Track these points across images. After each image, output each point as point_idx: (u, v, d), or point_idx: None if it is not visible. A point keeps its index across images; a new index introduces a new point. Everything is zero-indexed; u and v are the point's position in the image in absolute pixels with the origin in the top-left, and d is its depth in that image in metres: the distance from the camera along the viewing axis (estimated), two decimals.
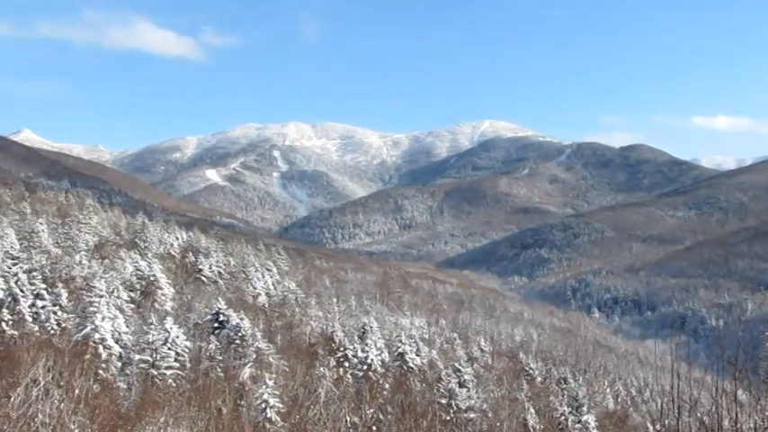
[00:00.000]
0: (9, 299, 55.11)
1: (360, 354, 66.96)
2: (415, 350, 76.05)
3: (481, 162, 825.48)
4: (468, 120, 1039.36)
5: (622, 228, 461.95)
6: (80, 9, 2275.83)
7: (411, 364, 70.34)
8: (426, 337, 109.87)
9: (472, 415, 57.11)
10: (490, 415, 59.60)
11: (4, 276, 57.78)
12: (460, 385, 61.68)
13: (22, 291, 56.24)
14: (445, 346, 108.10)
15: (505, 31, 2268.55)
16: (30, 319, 54.55)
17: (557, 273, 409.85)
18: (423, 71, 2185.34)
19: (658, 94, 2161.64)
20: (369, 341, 70.03)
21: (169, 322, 52.87)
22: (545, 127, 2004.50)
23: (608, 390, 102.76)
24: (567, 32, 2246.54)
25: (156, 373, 48.53)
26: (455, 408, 56.58)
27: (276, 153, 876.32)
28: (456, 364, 69.19)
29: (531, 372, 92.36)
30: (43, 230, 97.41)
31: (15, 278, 57.43)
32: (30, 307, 55.59)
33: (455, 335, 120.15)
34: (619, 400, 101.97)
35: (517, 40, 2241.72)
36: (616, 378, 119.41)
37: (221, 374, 52.37)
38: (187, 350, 52.32)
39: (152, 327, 51.59)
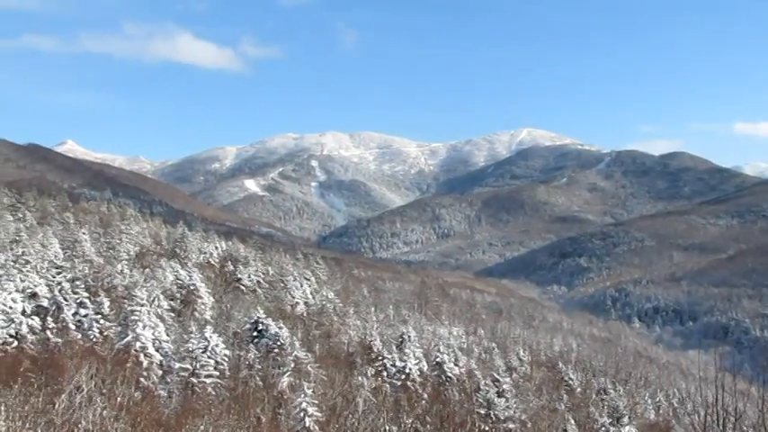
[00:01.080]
0: (53, 307, 55.98)
1: (398, 363, 66.91)
2: (453, 360, 75.81)
3: (519, 171, 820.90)
4: (505, 128, 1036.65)
5: (663, 236, 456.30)
6: (121, 23, 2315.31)
7: (449, 374, 70.12)
8: (464, 346, 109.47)
9: (511, 425, 56.75)
10: (529, 426, 59.18)
11: (48, 285, 58.71)
12: (499, 395, 61.36)
13: (65, 299, 57.10)
14: (483, 355, 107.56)
15: (544, 40, 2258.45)
16: (73, 327, 55.33)
17: (596, 282, 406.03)
18: (460, 80, 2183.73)
19: (699, 101, 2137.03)
20: (407, 350, 69.95)
21: (209, 331, 53.29)
22: (583, 135, 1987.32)
23: (649, 401, 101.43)
24: (606, 41, 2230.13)
25: (195, 381, 48.92)
26: (494, 418, 56.28)
27: (314, 163, 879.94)
28: (494, 374, 68.91)
29: (570, 382, 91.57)
30: (86, 240, 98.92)
31: (59, 287, 58.33)
32: (73, 315, 56.41)
33: (493, 344, 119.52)
34: (660, 411, 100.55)
35: (555, 49, 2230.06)
36: (657, 389, 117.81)
37: (260, 383, 52.64)
38: (226, 359, 52.68)
39: (192, 335, 52.04)
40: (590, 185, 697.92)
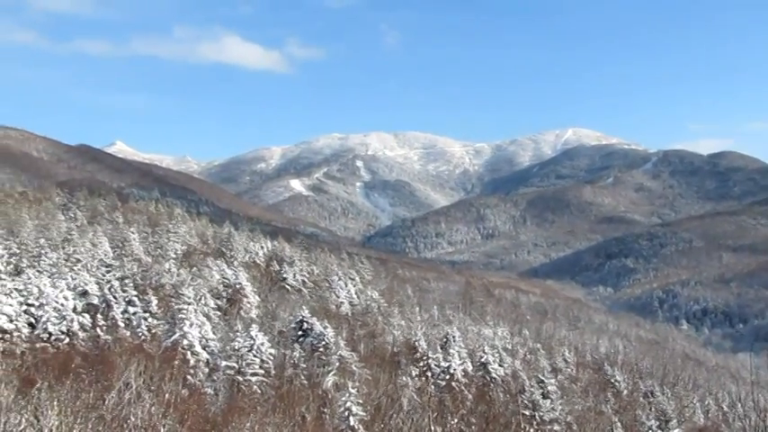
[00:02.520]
0: (103, 305, 56.98)
1: (442, 363, 66.81)
2: (497, 360, 75.47)
3: (564, 170, 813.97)
4: (550, 128, 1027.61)
5: (712, 237, 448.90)
6: (171, 26, 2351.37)
7: (494, 375, 69.83)
8: (509, 347, 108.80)
9: (556, 427, 56.38)
10: (575, 428, 58.72)
11: (98, 283, 59.77)
12: (544, 397, 60.96)
13: (115, 297, 58.08)
14: (528, 356, 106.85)
15: (590, 38, 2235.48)
16: (122, 325, 56.26)
17: (643, 283, 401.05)
18: (505, 79, 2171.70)
19: (751, 99, 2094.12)
20: (451, 351, 69.82)
21: (254, 330, 53.73)
22: (630, 135, 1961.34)
23: (698, 405, 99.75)
24: (653, 40, 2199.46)
25: (241, 379, 49.38)
26: (539, 420, 55.95)
27: (359, 163, 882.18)
28: (540, 376, 68.42)
29: (616, 384, 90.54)
30: (135, 239, 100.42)
31: (109, 285, 59.34)
32: (122, 313, 57.36)
33: (538, 345, 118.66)
34: (710, 415, 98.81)
35: (602, 48, 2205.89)
36: (707, 392, 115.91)
37: (305, 382, 52.96)
38: (272, 357, 53.08)
39: (238, 334, 52.53)
40: (636, 185, 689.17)
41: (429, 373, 65.36)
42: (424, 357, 67.56)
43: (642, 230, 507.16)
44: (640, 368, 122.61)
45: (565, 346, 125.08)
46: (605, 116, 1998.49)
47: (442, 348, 71.45)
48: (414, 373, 62.70)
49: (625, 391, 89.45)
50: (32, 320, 51.33)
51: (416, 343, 71.05)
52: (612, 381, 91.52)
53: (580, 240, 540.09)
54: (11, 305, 50.13)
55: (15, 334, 48.70)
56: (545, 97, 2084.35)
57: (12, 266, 65.35)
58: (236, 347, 50.87)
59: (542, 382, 64.87)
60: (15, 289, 52.37)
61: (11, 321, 49.11)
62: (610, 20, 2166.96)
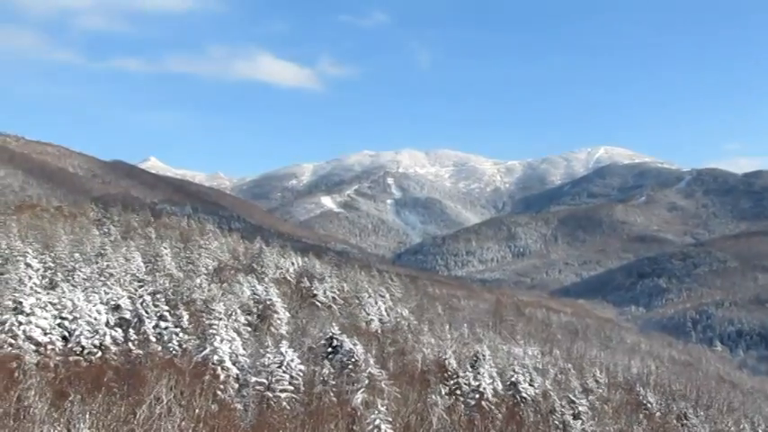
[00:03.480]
0: (135, 319, 57.47)
1: (472, 382, 66.47)
2: (528, 380, 74.96)
3: (596, 189, 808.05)
4: (582, 146, 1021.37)
5: (747, 257, 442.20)
6: (205, 45, 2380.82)
7: (524, 394, 69.35)
8: (540, 366, 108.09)
9: None
10: None
11: (131, 298, 60.32)
12: (575, 417, 60.44)
13: (146, 312, 58.56)
14: (559, 376, 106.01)
15: (622, 56, 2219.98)
16: (154, 340, 56.66)
17: (676, 303, 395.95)
18: (536, 97, 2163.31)
19: None
20: (481, 370, 69.44)
21: (284, 346, 53.89)
22: (663, 153, 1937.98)
23: (733, 428, 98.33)
24: (686, 57, 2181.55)
25: (271, 395, 49.50)
26: None
27: (390, 180, 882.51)
28: (570, 396, 67.87)
29: (649, 406, 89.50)
30: (167, 254, 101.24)
31: (141, 300, 59.85)
32: (154, 328, 57.78)
33: (569, 365, 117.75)
34: None
35: (634, 65, 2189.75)
36: (742, 416, 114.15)
37: (334, 399, 52.93)
38: (301, 374, 53.17)
39: (268, 350, 52.70)
40: (669, 204, 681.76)
41: (459, 392, 65.05)
42: (454, 376, 67.28)
43: (675, 250, 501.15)
44: (673, 390, 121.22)
45: (596, 367, 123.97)
46: (638, 135, 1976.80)
47: (471, 367, 71.10)
48: (443, 392, 62.43)
49: (658, 414, 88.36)
50: (66, 334, 51.90)
51: (446, 361, 70.79)
52: (645, 402, 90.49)
53: (612, 259, 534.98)
54: (45, 318, 50.76)
55: (49, 347, 49.27)
56: (577, 115, 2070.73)
57: (47, 280, 66.30)
58: (266, 363, 51.02)
59: (573, 402, 64.35)
60: (50, 302, 53.04)
61: (45, 334, 49.71)
62: (643, 37, 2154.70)
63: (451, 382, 66.46)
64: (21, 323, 48.89)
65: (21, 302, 49.92)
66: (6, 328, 48.21)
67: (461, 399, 64.23)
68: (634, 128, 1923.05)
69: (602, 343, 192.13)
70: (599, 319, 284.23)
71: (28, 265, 66.67)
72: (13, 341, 47.65)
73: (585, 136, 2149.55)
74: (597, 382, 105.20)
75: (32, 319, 49.58)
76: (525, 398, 69.07)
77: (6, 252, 71.19)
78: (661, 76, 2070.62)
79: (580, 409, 63.30)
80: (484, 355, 74.29)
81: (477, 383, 66.25)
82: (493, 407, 64.48)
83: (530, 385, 73.32)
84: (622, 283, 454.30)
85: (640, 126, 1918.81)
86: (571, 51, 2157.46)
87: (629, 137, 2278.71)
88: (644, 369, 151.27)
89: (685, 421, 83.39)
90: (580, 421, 60.01)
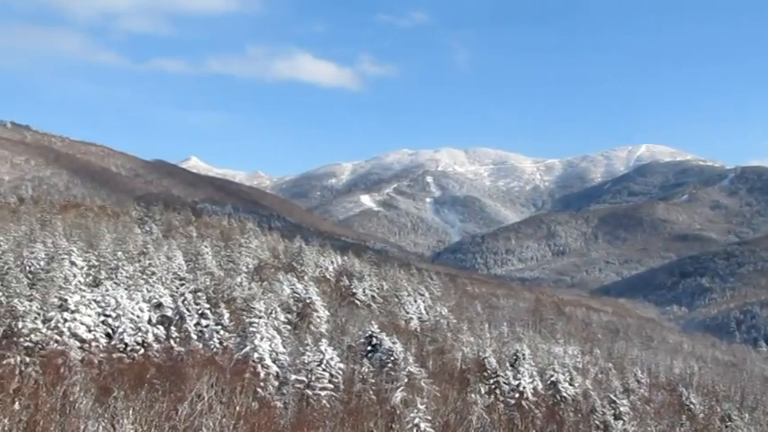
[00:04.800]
0: (177, 317, 58.15)
1: (512, 381, 66.20)
2: (568, 379, 74.45)
3: (637, 187, 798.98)
4: (623, 144, 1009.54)
5: None
6: (244, 46, 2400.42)
7: (564, 394, 68.90)
8: (580, 366, 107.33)
9: None
10: None
11: (172, 296, 61.03)
12: (616, 418, 59.92)
13: (188, 310, 59.22)
14: (600, 376, 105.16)
15: (663, 54, 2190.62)
16: (195, 337, 57.28)
17: (719, 303, 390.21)
18: (577, 95, 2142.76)
19: None
20: (521, 369, 69.13)
21: (324, 344, 54.12)
22: (705, 151, 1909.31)
23: None
24: (729, 54, 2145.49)
25: (310, 393, 49.76)
26: None
27: (429, 179, 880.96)
28: (611, 396, 67.28)
29: (692, 407, 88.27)
30: (208, 253, 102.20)
31: (182, 298, 60.54)
32: (195, 325, 58.42)
33: (610, 365, 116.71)
34: None
35: (676, 62, 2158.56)
36: None
37: (373, 397, 53.04)
38: (341, 372, 53.37)
39: (308, 348, 52.96)
40: (712, 203, 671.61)
41: (498, 391, 64.85)
42: (494, 375, 67.06)
43: (718, 249, 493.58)
44: (717, 391, 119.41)
45: (637, 367, 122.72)
46: (680, 132, 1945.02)
47: (511, 366, 70.82)
48: (483, 391, 62.28)
49: (701, 415, 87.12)
50: (109, 331, 52.70)
51: (486, 360, 70.56)
52: (687, 403, 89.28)
53: (653, 258, 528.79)
54: (90, 316, 51.58)
55: (93, 344, 50.06)
56: (618, 113, 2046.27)
57: (91, 278, 67.35)
58: (306, 361, 51.30)
59: (614, 402, 63.78)
60: (94, 300, 53.88)
61: (89, 331, 50.51)
62: (684, 33, 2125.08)
63: (491, 381, 66.27)
64: (66, 320, 49.74)
65: (66, 300, 50.78)
66: (52, 325, 49.08)
67: (501, 398, 64.02)
68: (676, 126, 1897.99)
69: (644, 343, 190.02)
70: (640, 319, 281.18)
71: (73, 264, 67.86)
72: (58, 338, 48.50)
73: (626, 134, 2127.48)
74: (639, 382, 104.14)
75: (77, 316, 50.42)
76: (565, 397, 68.62)
77: (52, 250, 72.45)
78: (703, 72, 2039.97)
79: (621, 409, 62.70)
80: (524, 354, 73.93)
81: (517, 382, 65.98)
82: (533, 406, 64.17)
83: (570, 385, 72.82)
84: (664, 283, 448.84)
85: (682, 124, 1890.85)
86: (611, 48, 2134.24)
87: (671, 135, 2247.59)
88: (686, 369, 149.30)
89: (729, 423, 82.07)
90: (621, 422, 59.47)
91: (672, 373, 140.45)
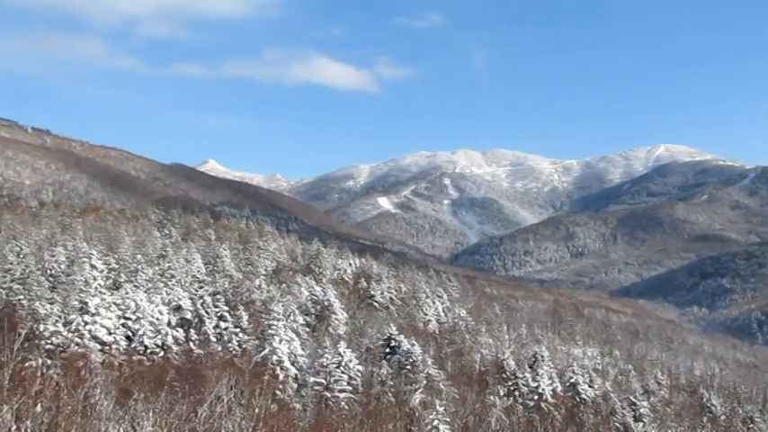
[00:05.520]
0: (196, 319, 58.43)
1: (531, 383, 66.04)
2: (587, 381, 74.18)
3: (656, 188, 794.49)
4: (642, 144, 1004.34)
5: None
6: (262, 49, 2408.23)
7: (584, 396, 68.65)
8: (599, 367, 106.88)
9: None
10: None
11: (191, 298, 61.32)
12: (636, 419, 59.64)
13: (207, 312, 59.49)
14: (619, 377, 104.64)
15: (681, 53, 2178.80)
16: (214, 340, 57.55)
17: (740, 304, 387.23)
18: (594, 95, 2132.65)
19: None
20: (540, 370, 68.95)
21: (342, 346, 54.20)
22: (725, 151, 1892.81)
23: None
24: (747, 53, 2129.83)
25: (329, 395, 49.85)
26: None
27: (446, 180, 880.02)
28: (631, 398, 67.00)
29: (713, 409, 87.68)
30: (226, 255, 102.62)
31: (201, 300, 60.81)
32: (214, 328, 58.68)
33: (630, 366, 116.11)
34: None
35: (694, 62, 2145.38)
36: None
37: (392, 399, 53.06)
38: (359, 374, 53.43)
39: (326, 350, 53.08)
40: (733, 203, 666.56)
41: (517, 393, 64.71)
42: (513, 377, 66.92)
43: (739, 249, 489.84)
44: (738, 393, 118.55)
45: (657, 368, 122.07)
46: (699, 132, 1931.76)
47: (530, 368, 70.65)
48: (502, 393, 62.17)
49: (722, 417, 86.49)
50: (129, 334, 53.04)
51: (504, 362, 70.44)
52: (709, 405, 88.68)
53: (673, 259, 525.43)
54: (110, 318, 51.94)
55: (114, 346, 50.40)
56: (636, 113, 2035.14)
57: (111, 281, 67.79)
58: (325, 364, 51.40)
59: (634, 404, 63.49)
60: (114, 303, 54.26)
61: (110, 334, 50.86)
62: (701, 33, 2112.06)
63: (510, 382, 66.14)
64: (86, 323, 50.10)
65: (86, 303, 51.16)
66: (73, 328, 49.45)
67: (520, 400, 63.87)
68: (695, 125, 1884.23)
69: (664, 344, 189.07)
70: (660, 320, 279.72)
71: (93, 267, 68.30)
72: (79, 340, 48.86)
73: (645, 134, 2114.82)
74: (659, 383, 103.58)
75: (98, 318, 50.78)
76: (585, 399, 68.37)
77: (73, 254, 72.97)
78: (723, 72, 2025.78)
79: (641, 411, 62.42)
80: (542, 356, 73.72)
81: (536, 384, 65.81)
82: (552, 408, 63.98)
83: (589, 386, 72.55)
84: (684, 284, 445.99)
85: (701, 123, 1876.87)
86: (630, 48, 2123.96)
87: (690, 135, 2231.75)
88: (707, 371, 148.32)
89: (752, 425, 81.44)
90: (641, 423, 59.19)
91: (692, 374, 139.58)
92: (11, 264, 60.18)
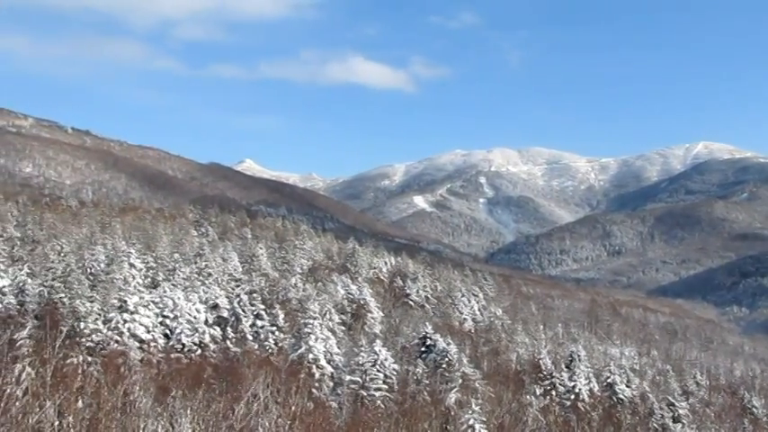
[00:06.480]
0: (232, 318, 58.89)
1: (567, 383, 65.62)
2: (625, 381, 73.50)
3: (695, 186, 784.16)
4: (680, 142, 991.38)
5: None
6: (298, 50, 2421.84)
7: (621, 396, 68.03)
8: (637, 367, 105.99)
9: None
10: None
11: (228, 297, 61.82)
12: (675, 421, 58.97)
13: (243, 311, 59.92)
14: (657, 378, 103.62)
15: (720, 49, 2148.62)
16: (250, 338, 57.96)
17: None
18: (631, 93, 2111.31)
19: None
20: (577, 370, 68.45)
21: (378, 345, 54.29)
22: (765, 148, 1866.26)
23: None
24: None
25: (365, 394, 49.95)
26: None
27: (482, 179, 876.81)
28: (670, 398, 66.24)
29: (754, 410, 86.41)
30: (262, 254, 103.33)
31: (238, 299, 61.27)
32: (250, 326, 59.09)
33: (668, 367, 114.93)
34: None
35: (733, 58, 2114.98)
36: None
37: (428, 398, 53.04)
38: (395, 373, 53.47)
39: (362, 349, 53.19)
40: None
41: (554, 393, 64.33)
42: (549, 376, 66.54)
43: None
44: None
45: (696, 369, 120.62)
46: (738, 129, 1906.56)
47: (567, 367, 70.18)
48: (538, 392, 61.87)
49: (765, 419, 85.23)
50: (167, 332, 53.63)
51: (541, 361, 70.05)
52: (750, 407, 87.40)
53: (712, 258, 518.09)
54: (148, 317, 52.56)
55: (152, 344, 51.00)
56: (673, 110, 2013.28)
57: (149, 280, 68.59)
58: (360, 362, 51.51)
59: (673, 405, 62.75)
60: (152, 301, 54.89)
61: (148, 332, 51.47)
62: (740, 30, 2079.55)
63: (546, 382, 65.77)
64: (126, 321, 50.76)
65: (125, 301, 51.81)
66: (113, 326, 50.13)
67: (556, 399, 63.48)
68: (734, 123, 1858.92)
69: (703, 344, 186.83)
70: (699, 320, 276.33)
71: (132, 265, 69.18)
72: (118, 338, 49.51)
73: (682, 131, 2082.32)
74: (698, 384, 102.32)
75: (136, 317, 51.42)
76: (622, 399, 67.75)
77: (112, 253, 73.94)
78: (762, 68, 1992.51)
79: (680, 412, 61.65)
80: (579, 356, 73.17)
81: (573, 384, 65.36)
82: (589, 408, 63.51)
83: (627, 386, 71.87)
84: (723, 283, 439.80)
85: (741, 121, 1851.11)
86: (665, 46, 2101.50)
87: (729, 132, 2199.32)
88: (748, 372, 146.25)
89: None
90: (680, 425, 58.50)
91: (732, 375, 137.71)
92: (52, 262, 61.10)
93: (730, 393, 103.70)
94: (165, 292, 57.39)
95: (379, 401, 49.45)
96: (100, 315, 50.40)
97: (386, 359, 52.76)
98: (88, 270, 69.28)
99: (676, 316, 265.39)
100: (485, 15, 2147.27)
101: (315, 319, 55.97)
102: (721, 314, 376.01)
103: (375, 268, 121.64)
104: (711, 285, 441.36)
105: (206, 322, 56.37)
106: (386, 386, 51.09)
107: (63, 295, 52.52)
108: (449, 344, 63.10)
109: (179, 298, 56.47)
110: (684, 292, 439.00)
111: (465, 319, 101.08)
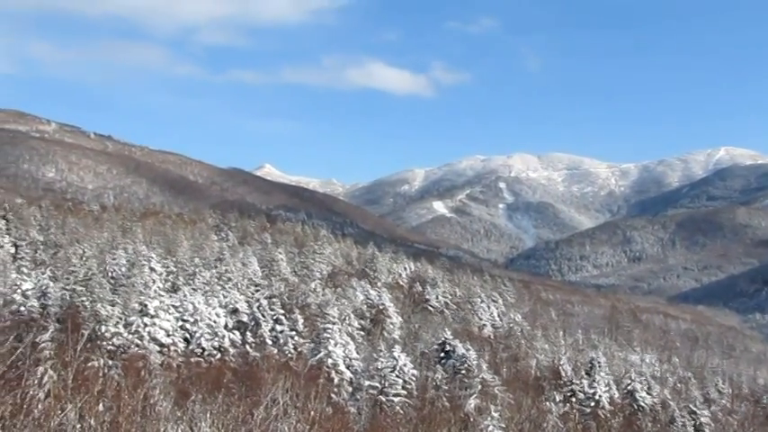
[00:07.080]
0: (252, 323, 59.11)
1: (587, 390, 65.28)
2: (645, 388, 73.01)
3: (716, 192, 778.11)
4: (701, 147, 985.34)
5: None
6: (318, 55, 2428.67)
7: (642, 403, 67.60)
8: (658, 375, 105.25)
9: None
10: None
11: (248, 301, 62.05)
12: (696, 429, 58.55)
13: (263, 315, 60.13)
14: (678, 385, 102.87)
15: (741, 54, 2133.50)
16: (270, 343, 58.13)
17: None
18: (651, 98, 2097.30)
19: None
20: (597, 377, 68.10)
21: (397, 350, 54.27)
22: None
23: None
24: None
25: (384, 399, 49.94)
26: None
27: (502, 184, 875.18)
28: (691, 406, 65.74)
29: None
30: (282, 259, 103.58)
31: (258, 303, 61.50)
32: (270, 331, 59.28)
33: (689, 374, 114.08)
34: None
35: (755, 63, 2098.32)
36: None
37: (447, 404, 52.94)
38: (414, 378, 53.42)
39: (381, 354, 53.19)
40: None
41: (573, 399, 64.02)
42: (569, 383, 66.27)
43: None
44: None
45: (718, 376, 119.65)
46: (761, 135, 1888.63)
47: (587, 374, 69.84)
48: (558, 399, 61.63)
49: None
50: (188, 336, 53.89)
51: (560, 368, 69.82)
52: None
53: (734, 264, 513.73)
54: (168, 321, 52.86)
55: (172, 348, 51.27)
56: (695, 115, 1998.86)
57: (169, 284, 68.94)
58: (379, 367, 51.52)
59: (694, 413, 62.30)
60: (173, 305, 55.19)
61: (168, 336, 51.76)
62: (761, 36, 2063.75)
63: (566, 388, 65.50)
64: (146, 325, 51.08)
65: (146, 305, 52.15)
66: (133, 330, 50.46)
67: (576, 406, 63.18)
68: (756, 128, 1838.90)
69: (725, 352, 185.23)
70: (721, 327, 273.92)
71: (152, 270, 69.58)
72: (139, 342, 49.83)
73: (704, 137, 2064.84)
74: (720, 392, 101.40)
75: (156, 321, 51.73)
76: (643, 407, 67.31)
77: (133, 257, 74.41)
78: None
79: (702, 420, 61.20)
80: (599, 362, 72.79)
81: (593, 391, 65.02)
82: (609, 415, 63.16)
83: (647, 394, 71.39)
84: (746, 290, 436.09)
85: (763, 126, 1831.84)
86: (687, 50, 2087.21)
87: (752, 138, 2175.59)
88: None
89: None
90: None
91: (756, 383, 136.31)
92: (74, 266, 61.59)
93: (753, 402, 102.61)
94: (185, 296, 57.69)
95: (398, 407, 49.43)
96: (121, 319, 50.76)
97: (405, 364, 52.73)
98: (109, 274, 69.75)
99: (698, 323, 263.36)
100: (503, 20, 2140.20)
101: (334, 324, 56.06)
102: (743, 321, 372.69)
103: (394, 273, 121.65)
104: (733, 292, 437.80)
105: (226, 327, 56.60)
106: (405, 392, 51.06)
107: (84, 299, 52.91)
108: (468, 350, 63.00)
109: (199, 302, 56.75)
110: (706, 298, 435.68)
111: (484, 324, 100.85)
